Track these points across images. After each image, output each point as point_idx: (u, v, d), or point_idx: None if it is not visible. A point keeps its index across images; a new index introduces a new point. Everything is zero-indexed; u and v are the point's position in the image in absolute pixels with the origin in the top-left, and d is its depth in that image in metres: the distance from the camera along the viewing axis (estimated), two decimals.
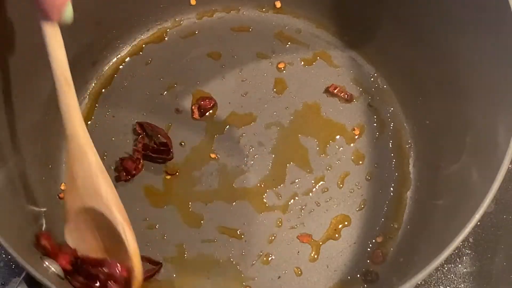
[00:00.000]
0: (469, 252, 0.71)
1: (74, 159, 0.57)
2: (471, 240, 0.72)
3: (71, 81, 0.56)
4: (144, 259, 0.68)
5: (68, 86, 0.56)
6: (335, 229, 0.70)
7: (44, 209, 0.67)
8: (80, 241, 0.59)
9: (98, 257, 0.59)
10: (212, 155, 0.73)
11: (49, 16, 0.54)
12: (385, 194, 0.72)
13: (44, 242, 0.58)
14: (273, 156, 0.73)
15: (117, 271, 0.58)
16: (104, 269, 0.58)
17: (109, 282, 0.57)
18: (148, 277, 0.67)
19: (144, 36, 0.80)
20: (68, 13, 0.54)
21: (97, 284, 0.57)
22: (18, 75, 0.65)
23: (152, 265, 0.68)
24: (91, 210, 0.57)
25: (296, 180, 0.72)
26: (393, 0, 0.72)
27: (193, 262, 0.69)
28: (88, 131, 0.59)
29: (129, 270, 0.58)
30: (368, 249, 0.69)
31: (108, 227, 0.57)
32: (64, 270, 0.58)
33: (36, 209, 0.66)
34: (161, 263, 0.68)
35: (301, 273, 0.68)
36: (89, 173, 0.57)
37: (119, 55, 0.79)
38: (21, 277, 0.53)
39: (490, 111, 0.61)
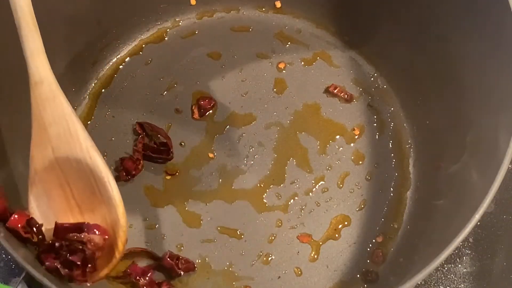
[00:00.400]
0: (469, 252, 0.71)
1: (45, 106, 0.53)
2: (471, 240, 0.72)
3: (36, 22, 0.52)
4: (147, 253, 0.68)
5: (34, 27, 0.52)
6: (335, 229, 0.70)
7: None
8: (48, 206, 0.54)
9: (73, 222, 0.54)
10: (212, 155, 0.73)
11: None
12: (385, 194, 0.72)
13: None
14: (273, 156, 0.73)
15: (97, 233, 0.53)
16: (82, 235, 0.52)
17: (89, 249, 0.52)
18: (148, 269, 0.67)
19: (144, 36, 0.80)
20: None
21: (75, 257, 0.52)
22: (19, 75, 0.65)
23: (153, 260, 0.68)
24: (64, 161, 0.53)
25: (296, 180, 0.72)
26: (393, 0, 0.72)
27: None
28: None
29: (112, 227, 0.53)
30: (368, 249, 0.69)
31: (83, 178, 0.53)
32: (12, 231, 0.53)
33: None
34: (160, 257, 0.67)
35: (301, 273, 0.68)
36: (63, 117, 0.53)
37: (119, 55, 0.79)
38: (21, 277, 0.53)
39: (490, 111, 0.61)
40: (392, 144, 0.74)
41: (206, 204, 0.71)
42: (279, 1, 0.80)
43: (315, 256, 0.69)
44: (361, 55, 0.78)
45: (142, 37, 0.80)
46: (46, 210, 0.54)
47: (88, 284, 0.53)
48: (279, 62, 0.78)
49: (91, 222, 0.54)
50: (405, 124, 0.75)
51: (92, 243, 0.52)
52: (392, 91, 0.77)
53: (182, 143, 0.74)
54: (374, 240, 0.70)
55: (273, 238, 0.70)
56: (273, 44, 0.79)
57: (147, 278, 0.65)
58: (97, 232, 0.53)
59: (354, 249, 0.69)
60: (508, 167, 0.54)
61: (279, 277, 0.68)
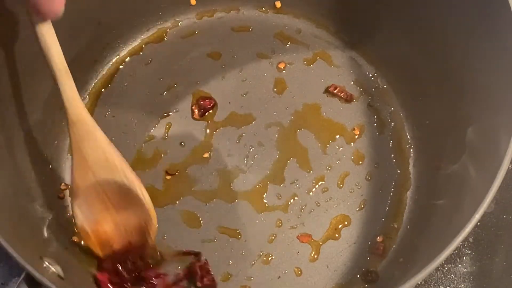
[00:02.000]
0: (469, 252, 0.71)
1: (83, 141, 0.62)
2: (471, 240, 0.72)
3: (69, 71, 0.59)
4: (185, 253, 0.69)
5: (68, 77, 0.59)
6: (335, 229, 0.70)
7: (44, 209, 0.67)
8: (89, 213, 0.64)
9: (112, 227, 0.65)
10: (212, 155, 0.73)
11: (45, 18, 0.56)
12: (385, 194, 0.72)
13: None
14: (273, 156, 0.73)
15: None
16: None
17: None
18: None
19: (144, 36, 0.80)
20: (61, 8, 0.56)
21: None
22: (18, 75, 0.65)
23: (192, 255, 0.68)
24: (103, 181, 0.63)
25: (296, 180, 0.72)
26: (393, 0, 0.72)
27: None
28: None
29: (145, 223, 0.64)
30: (368, 249, 0.69)
31: (120, 192, 0.63)
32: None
33: (36, 209, 0.66)
34: (200, 252, 0.68)
35: (301, 273, 0.68)
36: (101, 149, 0.62)
37: (119, 55, 0.79)
38: (21, 277, 0.54)
39: (490, 111, 0.61)
40: (392, 144, 0.74)
41: (206, 204, 0.71)
42: (279, 1, 0.80)
43: (315, 256, 0.69)
44: (361, 55, 0.78)
45: (142, 37, 0.80)
46: (87, 213, 0.64)
47: None
48: (279, 62, 0.78)
49: (126, 219, 0.65)
50: (405, 124, 0.75)
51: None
52: (392, 91, 0.77)
53: (182, 143, 0.74)
54: (374, 240, 0.70)
55: (273, 238, 0.70)
56: (273, 44, 0.79)
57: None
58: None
59: (354, 249, 0.69)
60: (508, 167, 0.54)
61: (279, 277, 0.68)
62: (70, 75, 0.60)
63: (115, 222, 0.65)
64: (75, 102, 0.60)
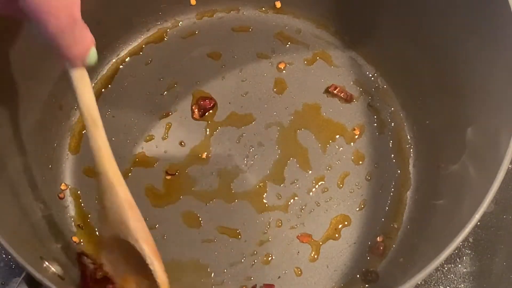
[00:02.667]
0: (469, 252, 0.71)
1: (104, 193, 0.58)
2: (471, 240, 0.72)
3: (99, 121, 0.57)
4: None
5: (95, 127, 0.57)
6: (335, 229, 0.70)
7: (45, 209, 0.68)
8: (115, 263, 0.61)
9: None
10: (212, 155, 0.73)
11: (73, 64, 0.54)
12: (385, 194, 0.72)
13: None
14: (273, 156, 0.73)
15: None
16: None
17: None
18: None
19: (144, 36, 0.80)
20: (92, 57, 0.54)
21: None
22: (19, 74, 0.65)
23: None
24: (123, 240, 0.58)
25: (296, 180, 0.72)
26: (393, 0, 0.72)
27: (193, 262, 0.69)
28: None
29: None
30: (368, 249, 0.69)
31: (139, 256, 0.59)
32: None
33: (36, 209, 0.66)
34: None
35: (301, 273, 0.68)
36: (118, 207, 0.58)
37: (119, 55, 0.79)
38: (21, 277, 0.54)
39: (490, 111, 0.61)
40: (392, 144, 0.74)
41: (206, 204, 0.71)
42: (279, 1, 0.80)
43: (315, 256, 0.69)
44: (361, 55, 0.78)
45: (142, 37, 0.80)
46: (114, 266, 0.61)
47: None
48: (279, 62, 0.78)
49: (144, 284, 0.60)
50: (405, 124, 0.75)
51: None
52: (392, 91, 0.77)
53: (182, 143, 0.74)
54: (374, 240, 0.70)
55: (273, 238, 0.70)
56: (273, 44, 0.79)
57: None
58: None
59: (354, 249, 0.69)
60: (508, 167, 0.54)
61: (279, 277, 0.68)
62: (100, 124, 0.57)
63: (136, 283, 0.61)
64: (101, 154, 0.57)
